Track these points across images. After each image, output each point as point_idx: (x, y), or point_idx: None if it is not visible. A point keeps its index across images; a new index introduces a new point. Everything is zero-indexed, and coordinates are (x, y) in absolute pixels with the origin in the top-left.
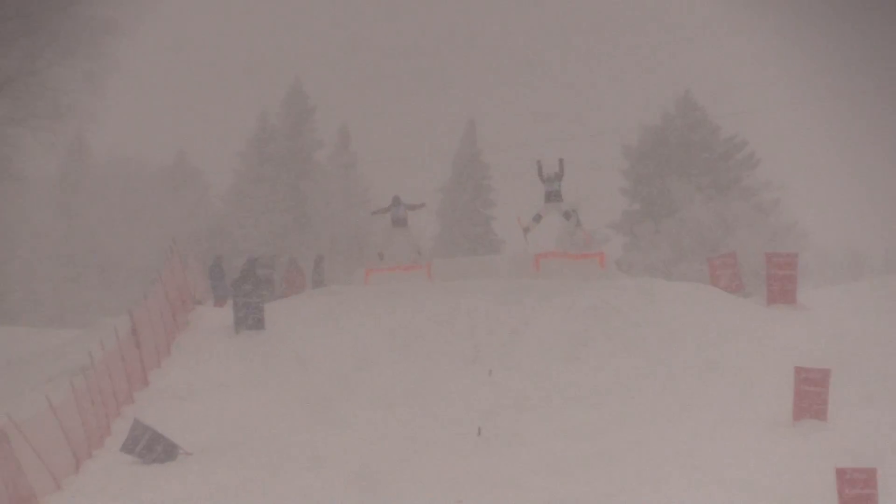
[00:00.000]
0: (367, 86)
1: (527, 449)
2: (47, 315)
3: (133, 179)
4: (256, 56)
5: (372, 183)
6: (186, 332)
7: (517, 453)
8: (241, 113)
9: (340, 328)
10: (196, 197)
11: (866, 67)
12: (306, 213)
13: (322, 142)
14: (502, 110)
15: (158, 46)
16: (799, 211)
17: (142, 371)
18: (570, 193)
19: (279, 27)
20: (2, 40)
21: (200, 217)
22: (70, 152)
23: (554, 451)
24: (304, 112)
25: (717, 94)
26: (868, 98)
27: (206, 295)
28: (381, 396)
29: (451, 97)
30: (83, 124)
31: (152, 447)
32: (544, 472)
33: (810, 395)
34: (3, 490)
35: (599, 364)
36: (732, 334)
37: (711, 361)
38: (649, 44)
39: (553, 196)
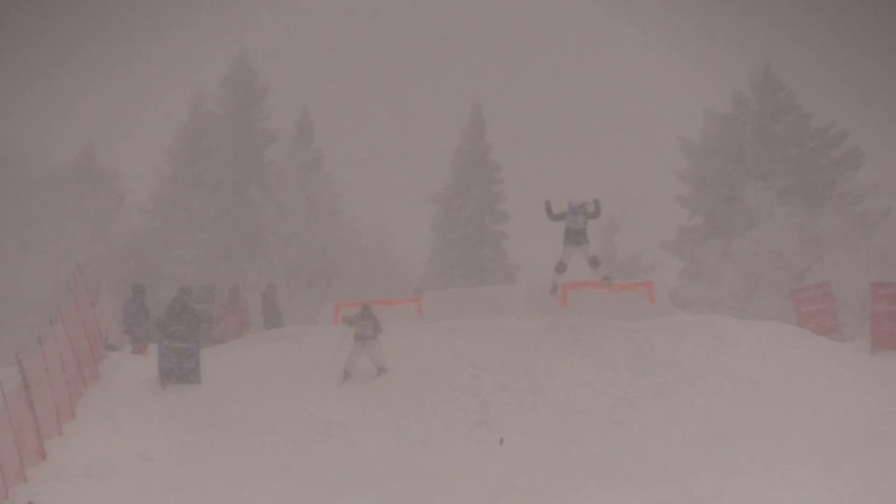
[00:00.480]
0: (335, 61)
1: None
2: None
3: (26, 185)
4: (192, 22)
5: (344, 189)
6: (96, 386)
7: None
8: (168, 97)
9: (302, 383)
10: (108, 208)
11: None
12: (256, 230)
13: (276, 134)
14: (513, 95)
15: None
16: None
17: (37, 440)
18: (608, 208)
19: None
20: None
21: (114, 235)
22: None
23: None
24: (252, 94)
25: (801, 70)
26: None
27: (122, 338)
28: (358, 476)
29: (450, 79)
30: None
31: None
32: None
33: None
34: None
35: (649, 432)
36: (827, 392)
37: (802, 430)
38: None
39: (576, 236)
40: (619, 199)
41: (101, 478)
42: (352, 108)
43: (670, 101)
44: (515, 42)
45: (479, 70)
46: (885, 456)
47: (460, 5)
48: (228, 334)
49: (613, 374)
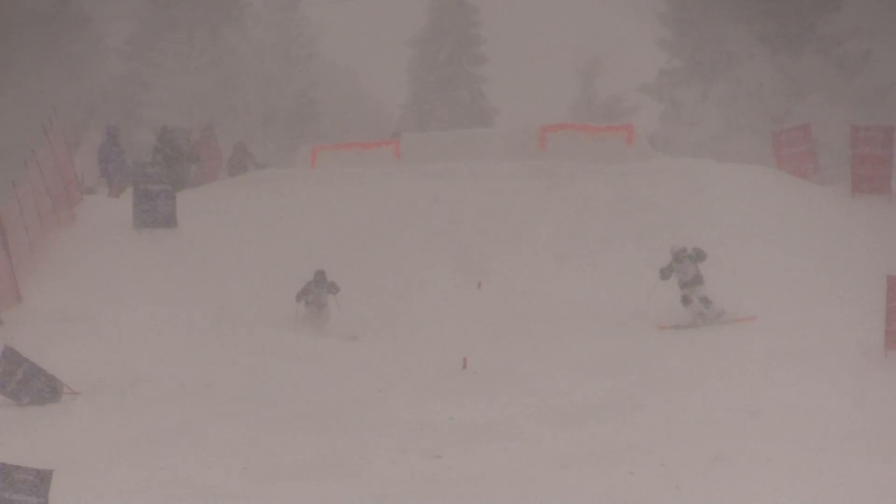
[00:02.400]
0: None
1: (523, 390)
2: None
3: None
4: None
5: (321, 31)
6: (72, 230)
7: (510, 391)
8: None
9: (279, 227)
10: (84, 50)
11: None
12: (233, 73)
13: None
14: None
15: None
16: None
17: (12, 283)
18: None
19: None
20: None
21: (90, 78)
22: None
23: (562, 391)
24: None
25: None
26: None
27: (99, 181)
28: (339, 317)
29: None
30: None
31: (29, 384)
32: (544, 418)
33: None
34: None
35: (626, 276)
36: (806, 234)
37: (779, 272)
38: None
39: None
40: (598, 41)
41: (77, 322)
42: None
43: None
44: None
45: None
46: (863, 296)
47: None
48: (203, 175)
49: (592, 218)
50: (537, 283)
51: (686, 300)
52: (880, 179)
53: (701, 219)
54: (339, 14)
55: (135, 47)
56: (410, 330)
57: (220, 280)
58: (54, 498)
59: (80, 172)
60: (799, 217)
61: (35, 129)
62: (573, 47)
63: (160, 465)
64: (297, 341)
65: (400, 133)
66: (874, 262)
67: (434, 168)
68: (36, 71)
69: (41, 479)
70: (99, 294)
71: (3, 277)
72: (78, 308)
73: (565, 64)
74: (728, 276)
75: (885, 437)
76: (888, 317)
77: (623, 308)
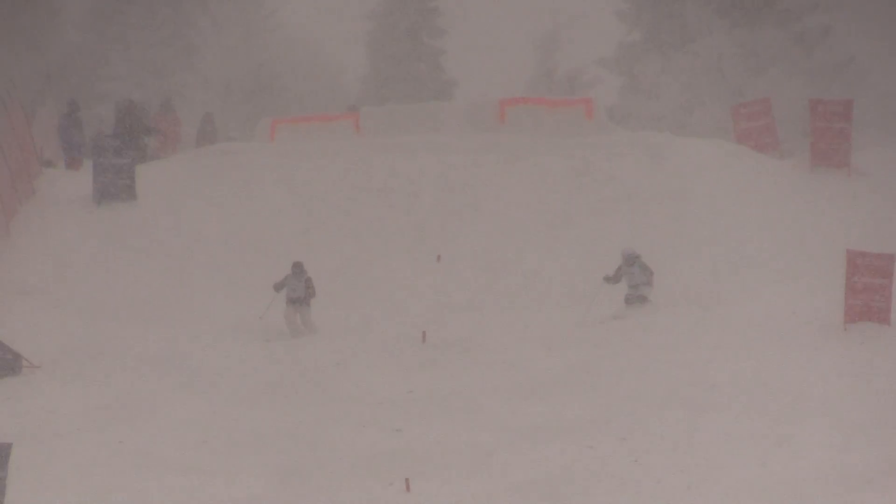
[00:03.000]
0: None
1: (483, 364)
2: None
3: None
4: None
5: (280, 4)
6: (31, 204)
7: (469, 365)
8: None
9: (237, 200)
10: (42, 22)
11: None
12: (192, 46)
13: None
14: None
15: None
16: (856, 43)
17: None
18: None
19: None
20: None
21: (48, 51)
22: None
23: (521, 364)
24: None
25: None
26: None
27: (58, 154)
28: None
29: None
30: None
31: None
32: (503, 391)
33: (868, 289)
34: None
35: (583, 249)
36: (764, 207)
37: (737, 245)
38: None
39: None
40: (557, 13)
41: (36, 295)
42: None
43: None
44: None
45: None
46: (822, 270)
47: None
48: (162, 148)
49: (551, 191)
50: (497, 256)
51: (630, 299)
52: (839, 153)
53: (660, 192)
54: None
55: (92, 19)
56: (369, 303)
57: (180, 253)
58: (14, 471)
59: (39, 146)
60: (758, 191)
61: None
62: (532, 20)
63: (119, 439)
64: (255, 316)
65: (355, 106)
66: (833, 236)
67: (393, 141)
68: None
69: (1, 453)
70: (59, 267)
71: None
72: (37, 281)
73: (524, 37)
74: (686, 250)
75: (843, 410)
76: (847, 291)
77: (583, 282)
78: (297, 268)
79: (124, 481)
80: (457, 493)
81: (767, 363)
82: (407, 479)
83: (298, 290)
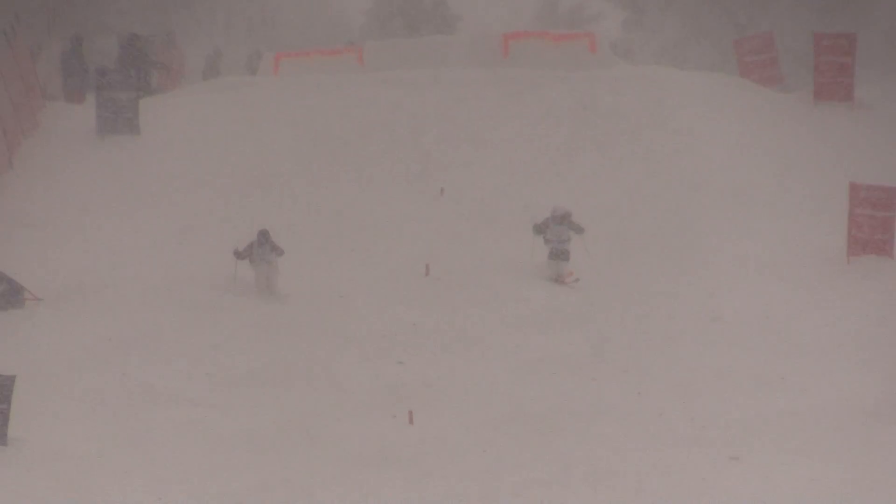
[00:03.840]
0: None
1: (486, 297)
2: None
3: None
4: None
5: None
6: (34, 138)
7: (472, 298)
8: None
9: (241, 135)
10: None
11: None
12: None
13: None
14: None
15: None
16: None
17: None
18: None
19: None
20: None
21: None
22: None
23: (524, 297)
24: None
25: None
26: None
27: (61, 88)
28: (297, 224)
29: None
30: None
31: None
32: (506, 324)
33: (871, 222)
34: None
35: (586, 183)
36: (767, 141)
37: (740, 180)
38: None
39: (560, 255)
40: None
41: (39, 228)
42: None
43: None
44: None
45: None
46: (825, 204)
47: None
48: (165, 82)
49: (555, 125)
50: (500, 190)
51: (553, 255)
52: (843, 87)
53: (663, 126)
54: None
55: None
56: (372, 236)
57: (183, 188)
58: (17, 404)
59: (43, 80)
60: (761, 125)
61: None
62: None
63: (123, 372)
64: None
65: (353, 42)
66: (836, 170)
67: (396, 75)
68: None
69: (4, 385)
70: (62, 201)
71: None
72: (40, 215)
73: None
74: (688, 185)
75: (847, 344)
76: (850, 224)
77: (587, 216)
78: (263, 236)
79: (128, 414)
80: (459, 426)
81: (770, 298)
82: (410, 412)
83: (265, 256)
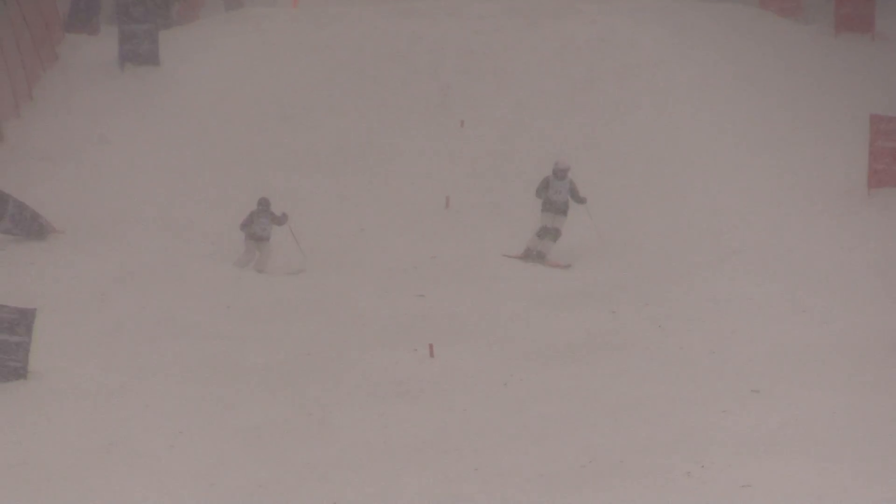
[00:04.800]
0: None
1: (506, 226)
2: None
3: None
4: None
5: None
6: (54, 69)
7: (492, 230)
8: None
9: (261, 66)
10: None
11: None
12: None
13: None
14: None
15: None
16: None
17: None
18: None
19: None
20: None
21: None
22: None
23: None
24: None
25: None
26: None
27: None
28: (319, 157)
29: None
30: None
31: (18, 220)
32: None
33: (892, 154)
34: None
35: (605, 115)
36: (787, 74)
37: (760, 112)
38: None
39: (558, 207)
40: None
41: (59, 161)
42: None
43: None
44: None
45: None
46: (846, 136)
47: None
48: (185, 13)
49: (574, 57)
50: (519, 122)
51: (543, 232)
52: (864, 18)
53: (682, 58)
54: None
55: None
56: (392, 169)
57: (203, 119)
58: (38, 337)
59: (62, 11)
60: (782, 57)
61: None
62: None
63: (143, 304)
64: (281, 178)
65: None
66: (857, 102)
67: (416, 7)
68: None
69: (25, 318)
70: (82, 133)
71: None
72: (61, 147)
73: None
74: (707, 118)
75: (867, 274)
76: (871, 156)
77: (607, 147)
78: (263, 204)
79: (148, 347)
80: (480, 358)
81: (791, 230)
82: (431, 345)
83: (265, 228)
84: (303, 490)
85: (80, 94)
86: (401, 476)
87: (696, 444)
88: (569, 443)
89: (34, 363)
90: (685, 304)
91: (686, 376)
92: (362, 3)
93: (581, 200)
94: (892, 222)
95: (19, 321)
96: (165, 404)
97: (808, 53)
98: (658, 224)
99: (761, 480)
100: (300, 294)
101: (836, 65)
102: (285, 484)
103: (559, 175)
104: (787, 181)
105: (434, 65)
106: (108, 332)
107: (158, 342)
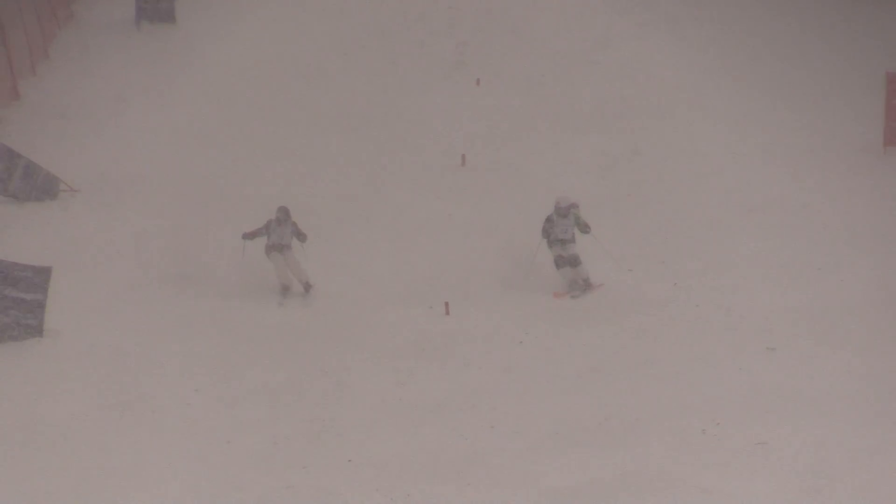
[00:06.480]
0: None
1: (521, 185)
2: None
3: None
4: None
5: None
6: (70, 27)
7: (508, 189)
8: None
9: (279, 25)
10: None
11: None
12: None
13: None
14: None
15: None
16: None
17: (10, 81)
18: None
19: None
20: None
21: None
22: None
23: (560, 188)
24: None
25: None
26: None
27: None
28: (335, 115)
29: None
30: None
31: (29, 181)
32: (544, 213)
33: None
34: None
35: (621, 73)
36: (801, 31)
37: (775, 68)
38: None
39: (561, 245)
40: None
41: (75, 119)
42: None
43: None
44: None
45: None
46: (862, 93)
47: None
48: None
49: (591, 15)
50: (536, 80)
51: (560, 262)
52: None
53: (698, 15)
54: None
55: None
56: (408, 127)
57: (219, 77)
58: (53, 295)
59: None
60: (798, 14)
61: None
62: None
63: (158, 263)
64: (297, 137)
65: None
66: (873, 60)
67: None
68: None
69: (41, 276)
70: (98, 92)
71: (0, 75)
72: (77, 106)
73: None
74: (724, 74)
75: (883, 232)
76: (887, 113)
77: (622, 105)
78: (283, 213)
79: (164, 306)
80: (496, 316)
81: (806, 187)
82: (446, 303)
83: (285, 237)
84: (318, 447)
85: (96, 52)
86: (416, 434)
87: (712, 401)
88: (584, 401)
89: (50, 321)
90: (701, 263)
91: (702, 334)
92: None
93: (587, 230)
94: None
95: (35, 280)
96: (181, 363)
97: (822, 13)
98: (673, 182)
99: (776, 438)
100: (315, 253)
101: (852, 22)
102: (301, 441)
103: (562, 213)
104: (803, 139)
105: (450, 23)
106: (124, 291)
107: (174, 301)
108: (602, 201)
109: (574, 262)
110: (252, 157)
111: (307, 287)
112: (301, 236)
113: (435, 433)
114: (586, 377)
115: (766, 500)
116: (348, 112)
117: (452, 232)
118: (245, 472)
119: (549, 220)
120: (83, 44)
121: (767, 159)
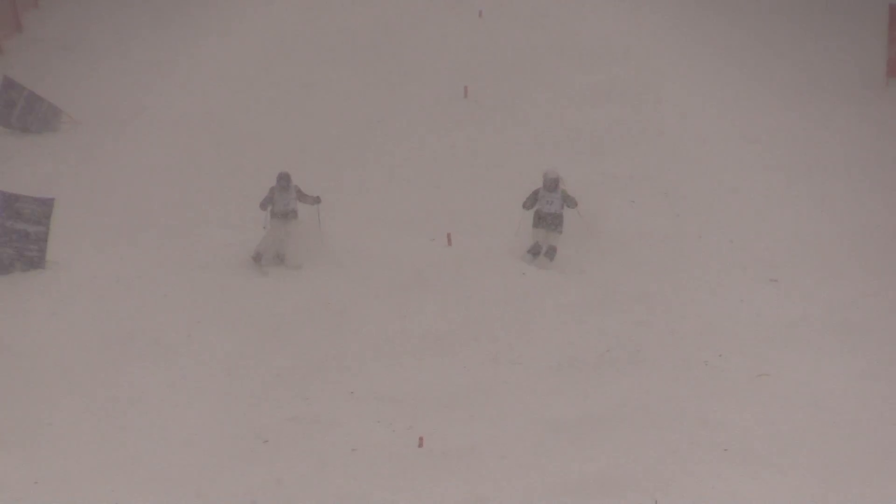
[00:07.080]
0: None
1: (523, 117)
2: None
3: None
4: None
5: None
6: None
7: (509, 120)
8: None
9: None
10: None
11: None
12: None
13: None
14: None
15: None
16: None
17: (12, 12)
18: None
19: None
20: None
21: None
22: None
23: (560, 120)
24: None
25: None
26: None
27: None
28: (336, 47)
29: None
30: None
31: (31, 113)
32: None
33: None
34: None
35: (626, 6)
36: None
37: (775, 5)
38: None
39: (551, 220)
40: None
41: (78, 51)
42: None
43: None
44: None
45: None
46: (863, 26)
47: None
48: None
49: None
50: (539, 13)
51: (538, 220)
52: None
53: None
54: None
55: None
56: (410, 58)
57: (224, 12)
58: (55, 227)
59: None
60: None
61: None
62: None
63: (161, 196)
64: (298, 69)
65: None
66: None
67: None
68: None
69: (43, 208)
70: (101, 24)
71: (2, 7)
72: (79, 38)
73: None
74: (722, 14)
75: (886, 163)
76: (889, 45)
77: (625, 39)
78: (284, 180)
79: (166, 238)
80: (498, 247)
81: (809, 120)
82: (448, 234)
83: (290, 203)
84: (321, 379)
85: None
86: (418, 366)
87: (714, 333)
88: (586, 332)
89: (52, 253)
90: (703, 193)
91: (704, 265)
92: None
93: (574, 204)
94: None
95: (38, 211)
96: (183, 294)
97: None
98: (674, 115)
99: (779, 370)
100: (319, 187)
101: None
102: (303, 373)
103: (549, 187)
104: (805, 72)
105: None
106: (125, 223)
107: (176, 233)
108: (599, 129)
109: (554, 226)
110: (253, 90)
111: (281, 258)
112: (309, 199)
113: (437, 365)
114: (588, 309)
115: (767, 431)
116: (347, 42)
117: (455, 163)
118: (247, 404)
119: (535, 193)
120: None
121: (769, 91)
